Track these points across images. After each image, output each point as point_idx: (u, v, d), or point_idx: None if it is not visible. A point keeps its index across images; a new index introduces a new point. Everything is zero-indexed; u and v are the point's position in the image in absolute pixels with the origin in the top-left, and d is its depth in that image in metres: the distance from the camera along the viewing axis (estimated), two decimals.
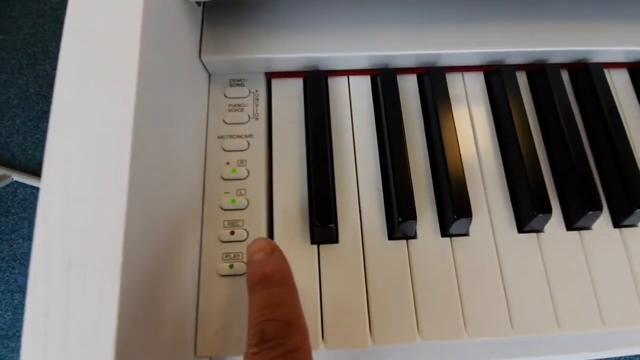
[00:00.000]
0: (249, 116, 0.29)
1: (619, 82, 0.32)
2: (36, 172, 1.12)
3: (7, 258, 1.06)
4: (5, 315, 1.01)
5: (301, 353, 0.17)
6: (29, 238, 1.08)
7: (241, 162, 0.27)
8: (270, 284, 0.18)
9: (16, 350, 0.98)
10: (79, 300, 0.15)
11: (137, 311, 0.17)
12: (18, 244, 1.07)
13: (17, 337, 0.99)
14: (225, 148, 0.28)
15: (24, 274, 1.04)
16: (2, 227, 1.09)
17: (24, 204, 1.10)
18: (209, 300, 0.25)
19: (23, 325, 0.15)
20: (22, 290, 1.03)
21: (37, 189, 1.11)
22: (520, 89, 0.30)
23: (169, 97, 0.22)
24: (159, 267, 0.19)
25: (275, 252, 0.20)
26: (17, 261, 1.06)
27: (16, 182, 1.10)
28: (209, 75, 0.30)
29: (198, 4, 0.27)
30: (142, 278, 0.17)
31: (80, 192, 0.16)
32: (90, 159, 0.17)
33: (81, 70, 0.18)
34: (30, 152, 1.15)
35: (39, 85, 1.22)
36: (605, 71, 0.32)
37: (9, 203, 1.10)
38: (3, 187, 1.10)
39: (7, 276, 1.04)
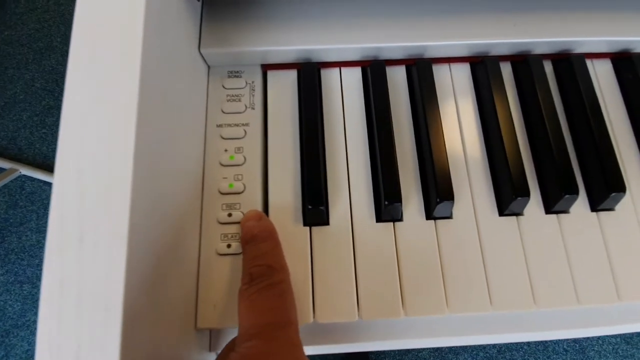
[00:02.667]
0: (245, 106, 0.30)
1: (601, 72, 0.33)
2: (43, 166, 1.15)
3: (16, 250, 1.09)
4: (15, 305, 1.04)
5: (280, 285, 0.21)
6: (37, 230, 1.10)
7: (238, 149, 0.29)
8: (258, 240, 0.23)
9: (25, 338, 1.01)
10: (90, 270, 0.17)
11: (142, 282, 0.18)
12: (27, 236, 1.10)
13: (27, 326, 1.02)
14: (224, 136, 0.30)
15: (33, 266, 1.07)
16: (11, 220, 1.12)
17: (31, 197, 1.13)
18: (209, 277, 0.26)
19: (40, 294, 0.17)
20: (30, 281, 1.06)
21: (45, 182, 1.13)
22: (506, 79, 0.32)
23: (170, 86, 0.24)
24: (162, 244, 0.21)
25: (262, 219, 0.25)
26: (26, 253, 1.08)
27: (24, 175, 1.13)
28: (208, 67, 0.31)
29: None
30: (147, 254, 0.19)
31: (91, 174, 0.18)
32: (99, 143, 0.18)
33: (89, 63, 0.20)
34: (37, 146, 1.17)
35: (45, 80, 1.24)
36: (589, 61, 0.33)
37: (17, 196, 1.13)
38: (11, 181, 1.13)
39: (17, 267, 1.07)
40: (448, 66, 0.32)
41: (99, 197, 0.18)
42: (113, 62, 0.20)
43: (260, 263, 0.22)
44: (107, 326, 0.16)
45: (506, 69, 0.33)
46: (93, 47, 0.20)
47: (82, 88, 0.19)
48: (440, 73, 0.32)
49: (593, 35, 0.31)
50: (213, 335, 0.29)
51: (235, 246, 0.27)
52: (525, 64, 0.32)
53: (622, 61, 0.33)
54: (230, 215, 0.28)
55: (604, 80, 0.33)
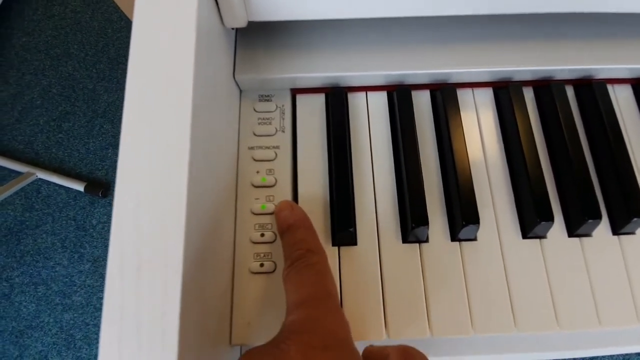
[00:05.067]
0: (276, 129, 0.32)
1: (622, 97, 0.34)
2: (59, 170, 1.17)
3: (31, 252, 1.12)
4: (30, 307, 1.06)
5: (318, 264, 0.24)
6: (52, 233, 1.13)
7: (269, 171, 0.30)
8: (294, 229, 0.26)
9: (39, 339, 1.03)
10: (148, 296, 0.18)
11: (191, 308, 0.20)
12: (42, 238, 1.12)
13: (41, 327, 1.04)
14: (255, 158, 0.31)
15: (47, 267, 1.09)
16: (27, 223, 1.14)
17: (47, 201, 1.15)
18: (242, 295, 0.28)
19: (102, 315, 0.18)
20: (45, 282, 1.08)
21: (60, 186, 1.16)
22: (528, 103, 0.33)
23: (213, 114, 0.25)
24: (206, 267, 0.22)
25: (295, 208, 0.27)
26: (41, 255, 1.11)
27: (40, 179, 1.15)
28: (240, 91, 0.33)
29: (232, 29, 0.30)
30: (195, 279, 0.20)
31: (148, 205, 0.19)
32: (154, 177, 0.20)
33: (146, 92, 0.21)
34: (53, 150, 1.19)
35: (62, 86, 1.26)
36: (610, 86, 0.34)
37: (33, 199, 1.15)
38: (28, 184, 1.15)
39: (32, 269, 1.09)
40: (471, 91, 0.33)
41: (155, 227, 0.19)
42: (166, 97, 0.21)
43: (299, 248, 0.24)
44: (165, 352, 0.17)
45: (528, 94, 0.33)
46: (148, 74, 0.21)
47: (138, 117, 0.21)
48: (464, 97, 0.33)
49: (614, 63, 0.32)
50: (244, 350, 0.30)
51: (268, 265, 0.28)
52: (547, 89, 0.33)
53: None
54: (262, 235, 0.29)
55: (624, 105, 0.34)
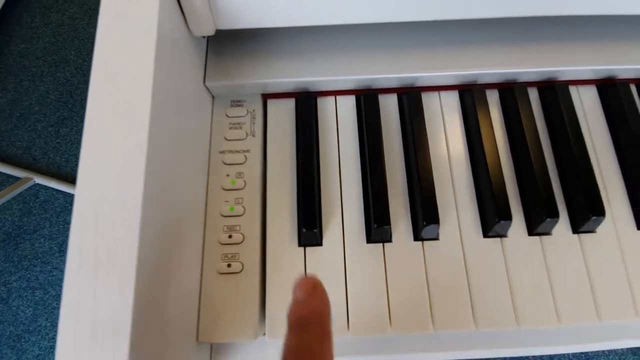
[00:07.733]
0: (246, 133, 0.33)
1: (587, 98, 0.35)
2: (57, 175, 1.19)
3: (29, 256, 1.13)
4: (27, 311, 1.07)
5: None
6: (50, 237, 1.14)
7: (239, 175, 0.31)
8: (304, 327, 0.19)
9: (36, 343, 1.04)
10: (103, 295, 0.19)
11: (148, 306, 0.21)
12: (40, 243, 1.14)
13: (38, 331, 1.05)
14: (226, 162, 0.32)
15: (45, 272, 1.10)
16: (25, 227, 1.15)
17: (45, 205, 1.16)
18: (210, 295, 0.28)
19: (59, 314, 0.19)
20: (42, 287, 1.09)
21: (58, 191, 1.17)
22: (492, 105, 0.33)
23: (178, 119, 0.26)
24: (166, 266, 0.23)
25: (316, 292, 0.21)
26: (39, 259, 1.12)
27: (38, 184, 1.17)
28: (213, 97, 0.34)
29: (203, 37, 0.31)
30: (152, 279, 0.21)
31: (105, 208, 0.20)
32: (113, 173, 0.21)
33: (106, 97, 0.22)
34: (51, 155, 1.21)
35: (59, 92, 1.28)
36: (575, 87, 0.35)
37: (31, 204, 1.17)
38: (26, 189, 1.17)
39: (29, 274, 1.11)
40: (438, 94, 0.34)
41: (112, 228, 0.20)
42: (126, 97, 0.22)
43: (300, 358, 0.18)
44: (116, 350, 0.18)
45: (494, 96, 0.34)
46: (109, 80, 0.22)
47: (98, 127, 0.22)
48: (430, 101, 0.34)
49: (578, 65, 0.33)
50: (213, 349, 0.30)
51: (235, 266, 0.29)
52: (510, 91, 0.33)
53: (607, 88, 0.35)
54: (230, 236, 0.30)
55: (589, 106, 0.34)
